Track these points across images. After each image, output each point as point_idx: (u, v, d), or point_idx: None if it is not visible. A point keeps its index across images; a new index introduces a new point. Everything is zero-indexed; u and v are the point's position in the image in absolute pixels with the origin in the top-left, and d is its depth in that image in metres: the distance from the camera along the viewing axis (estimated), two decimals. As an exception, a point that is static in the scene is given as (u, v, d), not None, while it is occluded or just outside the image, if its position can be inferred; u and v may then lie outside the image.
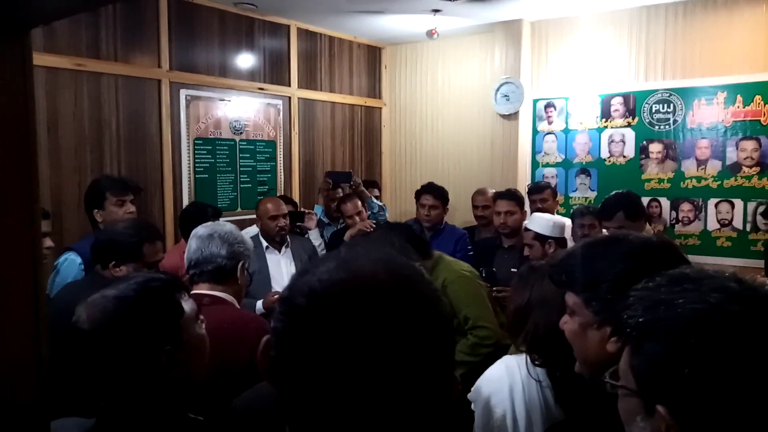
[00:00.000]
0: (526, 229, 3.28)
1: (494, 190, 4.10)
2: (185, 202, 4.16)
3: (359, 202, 4.00)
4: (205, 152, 4.41)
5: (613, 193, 3.42)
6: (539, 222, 3.26)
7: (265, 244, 3.51)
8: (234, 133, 4.61)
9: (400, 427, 0.59)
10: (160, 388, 1.17)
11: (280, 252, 3.54)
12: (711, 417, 0.73)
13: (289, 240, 3.59)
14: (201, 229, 2.00)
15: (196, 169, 4.35)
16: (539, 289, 1.61)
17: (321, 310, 0.59)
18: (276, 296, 3.20)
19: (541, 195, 4.12)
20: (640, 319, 0.79)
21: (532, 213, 3.87)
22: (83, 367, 1.17)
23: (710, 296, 0.76)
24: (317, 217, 4.26)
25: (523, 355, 1.62)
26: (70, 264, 2.71)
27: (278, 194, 4.66)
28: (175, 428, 1.19)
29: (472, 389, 1.63)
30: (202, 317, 1.34)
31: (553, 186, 4.44)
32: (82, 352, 1.15)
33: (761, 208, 4.15)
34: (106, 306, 1.17)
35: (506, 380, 1.57)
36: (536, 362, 1.57)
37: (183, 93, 4.23)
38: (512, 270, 3.41)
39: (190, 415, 1.23)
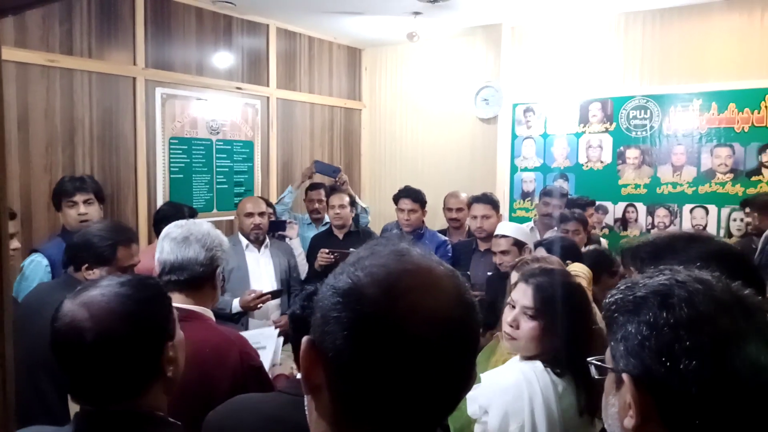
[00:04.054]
0: (501, 236, 3.24)
1: (466, 195, 4.10)
2: (159, 202, 4.07)
3: (347, 198, 3.96)
4: (181, 152, 4.33)
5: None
6: (516, 229, 3.26)
7: (245, 242, 3.50)
8: (210, 133, 4.53)
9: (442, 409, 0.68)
10: (153, 387, 1.15)
11: (259, 251, 3.52)
12: (675, 383, 0.77)
13: (268, 241, 3.58)
14: (175, 230, 1.82)
15: (171, 169, 4.26)
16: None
17: (397, 297, 0.64)
18: (252, 295, 3.15)
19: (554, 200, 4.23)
20: (617, 296, 0.86)
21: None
22: (84, 368, 1.12)
23: (678, 276, 0.83)
24: (296, 224, 4.24)
25: (536, 363, 1.57)
26: (37, 266, 2.64)
27: (255, 195, 4.61)
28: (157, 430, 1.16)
29: (475, 399, 1.55)
30: None
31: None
32: (88, 351, 1.10)
33: (734, 214, 4.23)
34: (109, 303, 1.13)
35: (525, 390, 1.51)
36: (557, 371, 1.54)
37: (158, 91, 4.15)
38: (488, 273, 3.43)
39: (170, 419, 1.20)
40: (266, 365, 1.89)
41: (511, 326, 1.68)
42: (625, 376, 0.81)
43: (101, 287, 1.17)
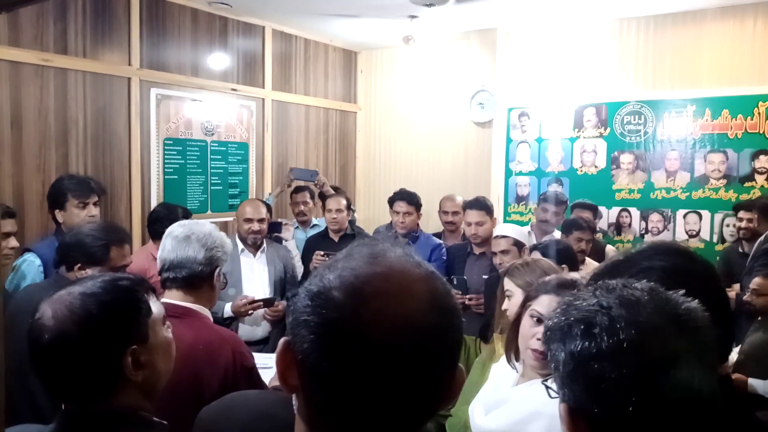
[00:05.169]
0: (501, 237, 3.27)
1: (462, 198, 4.10)
2: (153, 203, 4.05)
3: (344, 202, 3.93)
4: (175, 153, 4.31)
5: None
6: (516, 230, 3.28)
7: (240, 246, 3.45)
8: (205, 134, 4.52)
9: (422, 413, 0.66)
10: (123, 389, 1.13)
11: (255, 256, 3.48)
12: (607, 416, 0.75)
13: (265, 245, 3.53)
14: (178, 229, 1.85)
15: (166, 170, 4.25)
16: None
17: (363, 302, 0.62)
18: (244, 300, 3.15)
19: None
20: (554, 320, 0.84)
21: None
22: (46, 365, 1.12)
23: (603, 300, 0.80)
24: (292, 226, 4.23)
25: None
26: (29, 265, 2.63)
27: (250, 197, 4.60)
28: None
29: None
30: (168, 323, 1.29)
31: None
32: (46, 349, 1.10)
33: (727, 219, 4.25)
34: (72, 302, 1.12)
35: None
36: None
37: (153, 92, 4.14)
38: (483, 277, 3.44)
39: (155, 419, 1.18)
40: (266, 381, 1.88)
41: None
42: (562, 406, 0.80)
43: (76, 285, 1.16)
